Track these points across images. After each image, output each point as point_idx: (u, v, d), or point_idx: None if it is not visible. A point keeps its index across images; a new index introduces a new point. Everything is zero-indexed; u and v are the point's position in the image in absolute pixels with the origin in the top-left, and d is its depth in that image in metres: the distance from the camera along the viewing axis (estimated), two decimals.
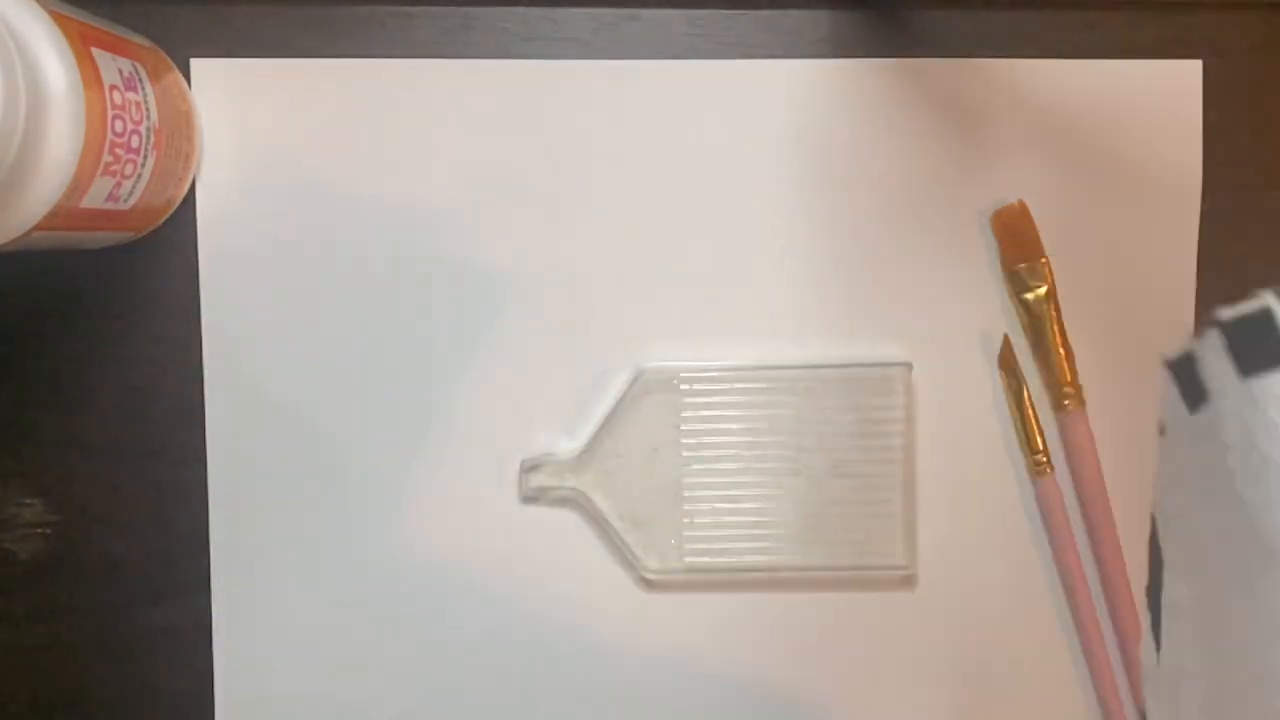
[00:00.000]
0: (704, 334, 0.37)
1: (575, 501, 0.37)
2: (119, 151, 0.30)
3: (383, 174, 0.37)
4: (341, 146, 0.37)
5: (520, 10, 0.37)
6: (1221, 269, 0.37)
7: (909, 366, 0.37)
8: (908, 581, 0.38)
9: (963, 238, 0.37)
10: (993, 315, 0.37)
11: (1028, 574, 0.38)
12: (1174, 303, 0.37)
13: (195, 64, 0.36)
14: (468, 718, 0.38)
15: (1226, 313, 0.22)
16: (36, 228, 0.29)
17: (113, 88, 0.30)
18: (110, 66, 0.30)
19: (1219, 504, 0.22)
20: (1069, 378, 0.37)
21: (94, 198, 0.30)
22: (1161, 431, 0.24)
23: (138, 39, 0.34)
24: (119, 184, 0.31)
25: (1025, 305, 0.37)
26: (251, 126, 0.37)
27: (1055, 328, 0.37)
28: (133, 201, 0.33)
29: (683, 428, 0.37)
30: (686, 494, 0.37)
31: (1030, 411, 0.37)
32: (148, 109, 0.32)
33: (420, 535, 0.37)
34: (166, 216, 0.36)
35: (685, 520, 0.37)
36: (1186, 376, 0.23)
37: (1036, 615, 0.38)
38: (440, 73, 0.37)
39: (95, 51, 0.30)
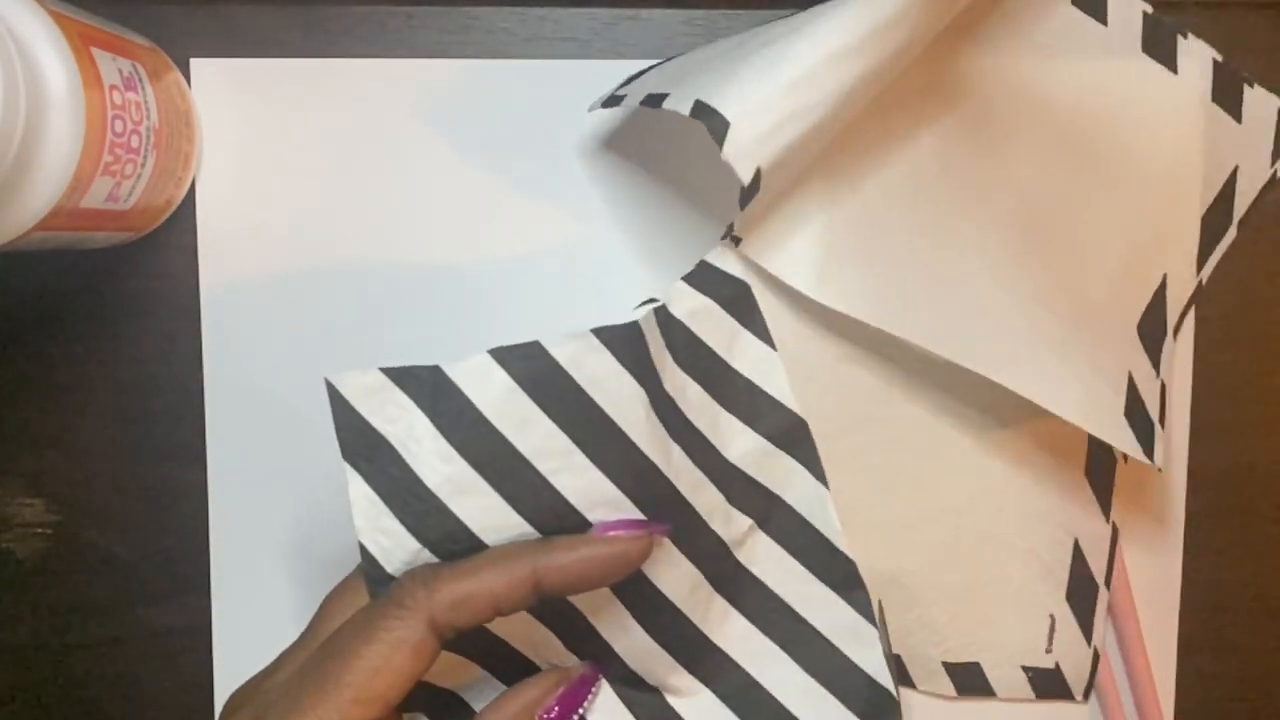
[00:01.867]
0: None
1: None
2: (119, 151, 0.30)
3: (383, 173, 0.37)
4: (341, 146, 0.37)
5: (520, 10, 0.37)
6: (1221, 268, 0.37)
7: None
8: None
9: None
10: None
11: None
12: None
13: (195, 64, 0.36)
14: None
15: None
16: (36, 228, 0.29)
17: (113, 88, 0.30)
18: (110, 66, 0.30)
19: None
20: None
21: (94, 198, 0.30)
22: None
23: (138, 39, 0.34)
24: (119, 184, 0.31)
25: None
26: (251, 126, 0.37)
27: None
28: (133, 201, 0.33)
29: None
30: None
31: None
32: (148, 109, 0.32)
33: None
34: (166, 216, 0.36)
35: None
36: None
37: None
38: (440, 73, 0.37)
39: (95, 51, 0.30)
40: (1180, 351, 0.38)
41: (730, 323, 0.33)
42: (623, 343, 0.29)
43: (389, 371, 0.28)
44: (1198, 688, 0.38)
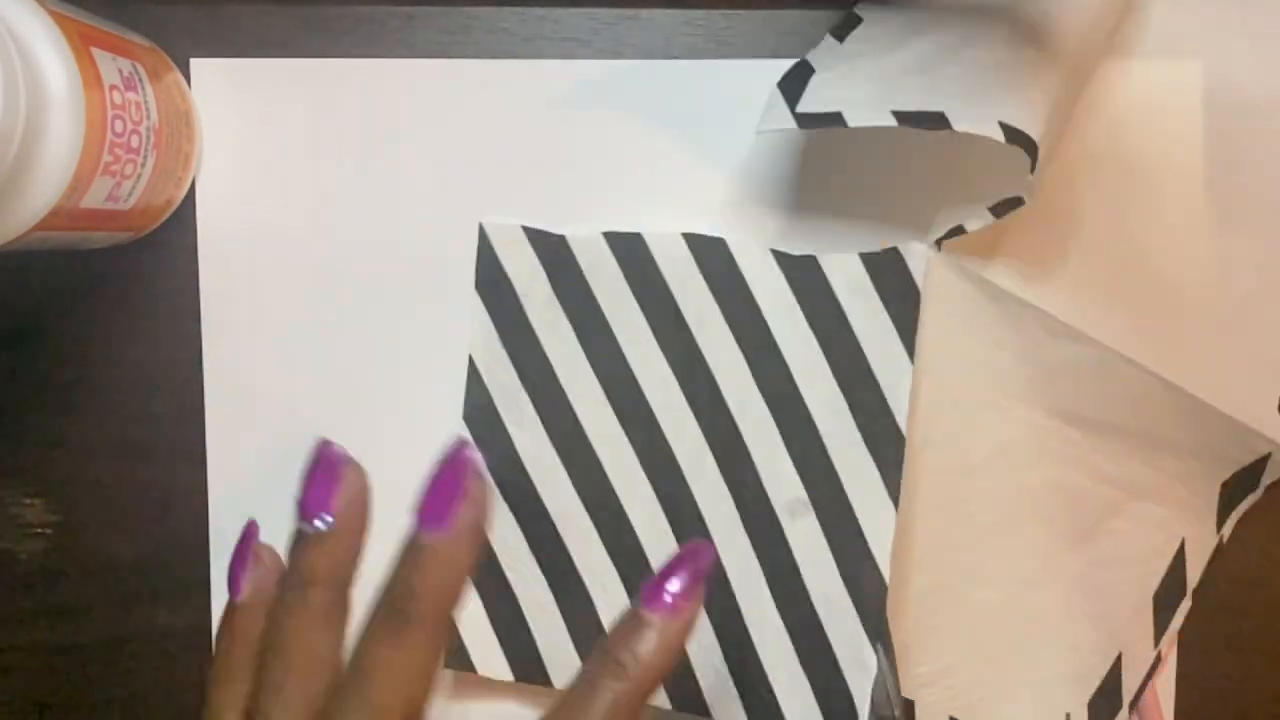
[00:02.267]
0: None
1: None
2: (119, 151, 0.30)
3: (382, 174, 0.37)
4: (341, 146, 0.37)
5: (520, 10, 0.37)
6: None
7: None
8: None
9: None
10: None
11: None
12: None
13: (195, 64, 0.36)
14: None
15: None
16: (36, 228, 0.29)
17: (113, 88, 0.30)
18: (110, 66, 0.30)
19: None
20: None
21: (94, 198, 0.30)
22: None
23: (138, 39, 0.34)
24: (119, 184, 0.31)
25: None
26: (251, 126, 0.37)
27: None
28: (133, 201, 0.33)
29: None
30: None
31: None
32: (148, 109, 0.32)
33: None
34: (166, 216, 0.36)
35: None
36: None
37: None
38: (440, 73, 0.37)
39: (95, 51, 0.30)
40: None
41: (885, 320, 0.34)
42: (711, 256, 0.35)
43: (527, 229, 0.36)
44: (1198, 688, 0.38)
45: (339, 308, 0.37)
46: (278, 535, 0.37)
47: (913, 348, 0.34)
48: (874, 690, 0.34)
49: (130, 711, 0.38)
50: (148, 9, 0.36)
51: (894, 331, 0.34)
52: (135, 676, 0.38)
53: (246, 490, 0.37)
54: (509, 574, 0.36)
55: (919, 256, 0.34)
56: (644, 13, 0.37)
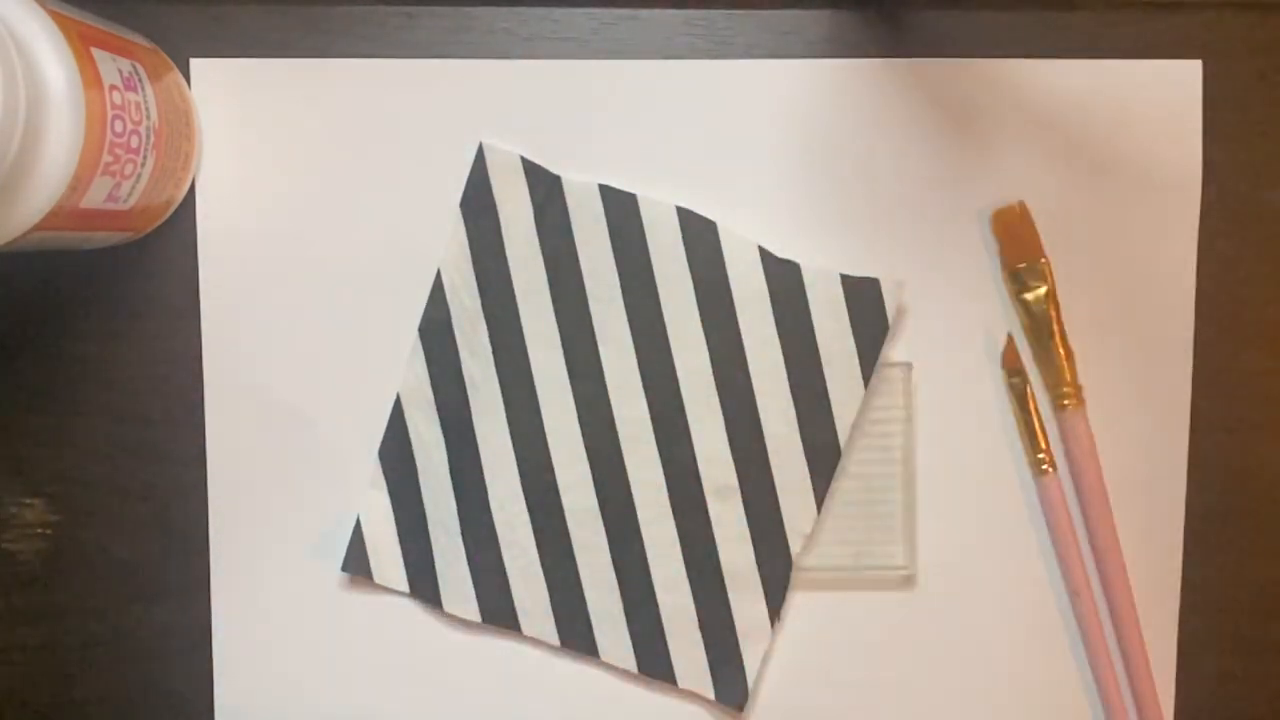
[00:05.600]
0: None
1: None
2: (119, 151, 0.30)
3: (382, 173, 0.37)
4: (341, 146, 0.37)
5: (520, 10, 0.37)
6: (1221, 268, 0.37)
7: (909, 366, 0.37)
8: (908, 582, 0.38)
9: (963, 238, 0.37)
10: (993, 316, 0.37)
11: (1029, 572, 0.38)
12: (1173, 302, 0.37)
13: (195, 64, 0.36)
14: (468, 716, 0.38)
15: None
16: (36, 228, 0.29)
17: (113, 88, 0.30)
18: (110, 66, 0.30)
19: None
20: (1069, 378, 0.37)
21: (94, 198, 0.30)
22: None
23: (138, 39, 0.34)
24: (119, 184, 0.31)
25: (1025, 305, 0.37)
26: (251, 126, 0.37)
27: (1056, 328, 0.37)
28: (132, 201, 0.33)
29: None
30: None
31: (1034, 409, 0.37)
32: (148, 109, 0.32)
33: None
34: (166, 216, 0.36)
35: None
36: None
37: (1038, 613, 0.38)
38: (440, 73, 0.37)
39: (95, 51, 0.30)
40: (1180, 350, 0.38)
41: (850, 345, 0.36)
42: (699, 235, 0.36)
43: (525, 161, 0.36)
44: (1198, 688, 0.38)
45: (338, 307, 0.37)
46: (277, 534, 0.38)
47: (870, 376, 0.36)
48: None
49: (129, 711, 0.38)
50: (148, 9, 0.36)
51: (856, 357, 0.36)
52: (135, 676, 0.38)
53: (246, 490, 0.37)
54: (424, 490, 0.36)
55: (893, 293, 0.36)
56: (644, 13, 0.37)
